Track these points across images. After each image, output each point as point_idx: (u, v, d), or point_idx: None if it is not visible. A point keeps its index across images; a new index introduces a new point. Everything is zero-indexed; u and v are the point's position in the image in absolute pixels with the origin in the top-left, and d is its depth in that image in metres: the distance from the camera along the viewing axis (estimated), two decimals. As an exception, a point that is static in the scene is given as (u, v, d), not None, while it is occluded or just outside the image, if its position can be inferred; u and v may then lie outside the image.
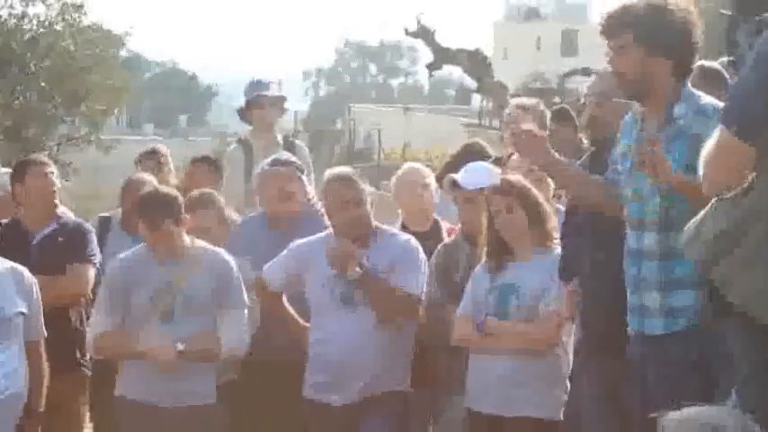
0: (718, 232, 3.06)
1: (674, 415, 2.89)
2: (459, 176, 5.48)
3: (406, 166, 6.24)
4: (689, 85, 4.05)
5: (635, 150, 4.06)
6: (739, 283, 3.01)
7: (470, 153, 6.79)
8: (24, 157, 6.16)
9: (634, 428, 4.10)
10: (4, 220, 5.88)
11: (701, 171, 3.06)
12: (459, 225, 5.58)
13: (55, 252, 5.56)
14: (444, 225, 5.91)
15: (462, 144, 7.17)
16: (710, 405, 3.04)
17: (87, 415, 5.89)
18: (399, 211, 6.19)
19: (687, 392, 3.82)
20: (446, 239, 5.61)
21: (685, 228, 3.25)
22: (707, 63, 4.68)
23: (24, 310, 4.89)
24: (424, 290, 5.16)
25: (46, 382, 5.04)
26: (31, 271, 5.04)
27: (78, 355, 5.62)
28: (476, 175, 5.51)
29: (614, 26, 4.05)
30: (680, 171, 3.84)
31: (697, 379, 3.90)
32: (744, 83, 2.93)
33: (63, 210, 5.92)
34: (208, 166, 7.05)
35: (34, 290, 4.98)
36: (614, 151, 4.30)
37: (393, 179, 6.11)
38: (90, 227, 5.86)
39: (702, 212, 3.16)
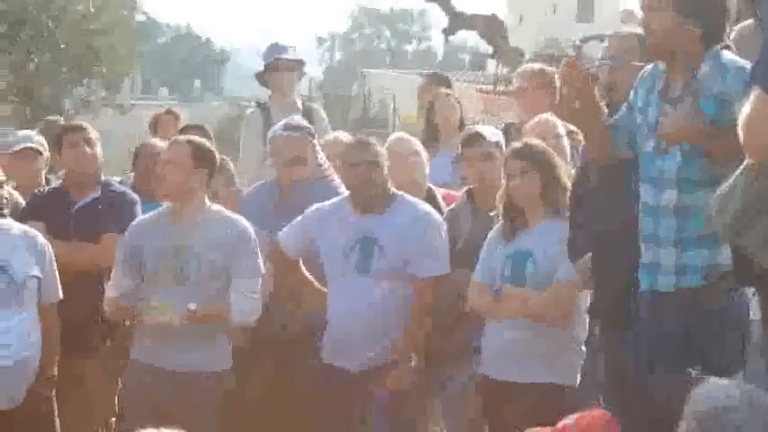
0: (747, 200, 3.02)
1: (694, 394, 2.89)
2: (481, 129, 5.43)
3: (393, 136, 6.15)
4: (716, 48, 4.00)
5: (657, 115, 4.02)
6: None
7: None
8: (62, 126, 6.08)
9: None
10: (55, 185, 5.87)
11: (741, 138, 2.99)
12: (466, 187, 5.52)
13: (93, 220, 5.54)
14: (439, 192, 5.85)
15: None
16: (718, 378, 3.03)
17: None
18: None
19: (725, 346, 3.82)
20: (451, 205, 5.56)
21: (713, 196, 3.20)
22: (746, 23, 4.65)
23: (38, 273, 4.90)
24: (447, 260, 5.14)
25: (57, 346, 5.05)
26: (68, 237, 5.03)
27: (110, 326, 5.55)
28: (493, 131, 5.51)
29: None
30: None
31: (734, 334, 3.92)
32: None
33: (108, 178, 5.90)
34: (199, 132, 6.86)
35: (47, 252, 4.99)
36: (631, 97, 4.25)
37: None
38: (135, 197, 5.77)
39: (732, 180, 3.11)
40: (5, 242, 4.88)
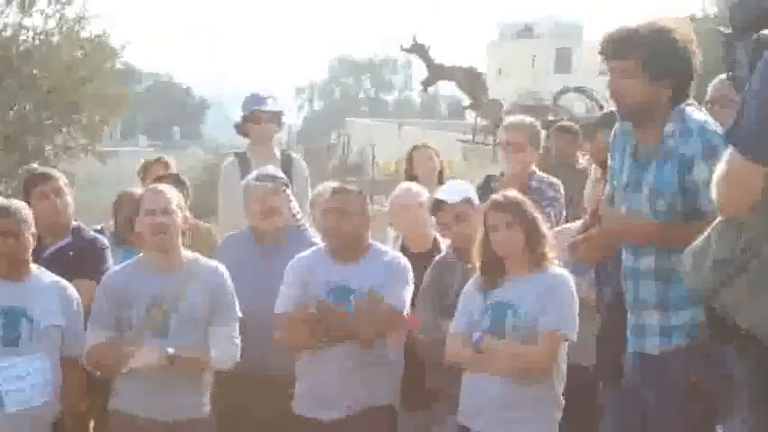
0: (722, 257, 3.07)
1: None
2: (440, 195, 5.49)
3: (400, 186, 6.17)
4: (682, 105, 4.04)
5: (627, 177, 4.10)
6: (749, 308, 3.01)
7: None
8: (30, 173, 6.05)
9: None
10: None
11: (714, 195, 3.06)
12: (449, 242, 5.56)
13: (64, 266, 5.45)
14: (445, 242, 5.90)
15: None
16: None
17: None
18: (390, 230, 6.18)
19: (687, 416, 3.87)
20: (438, 256, 5.59)
21: (685, 252, 3.26)
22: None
23: (61, 323, 4.98)
24: (406, 303, 5.14)
25: (80, 396, 5.13)
26: None
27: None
28: (456, 188, 5.54)
29: (619, 48, 4.02)
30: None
31: (697, 401, 3.93)
32: (753, 104, 2.93)
33: (79, 224, 5.87)
34: (174, 182, 6.65)
35: (75, 305, 5.07)
36: (610, 162, 4.32)
37: (387, 201, 6.02)
38: (105, 242, 5.79)
39: (704, 237, 3.16)
40: (33, 290, 4.97)
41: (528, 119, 6.64)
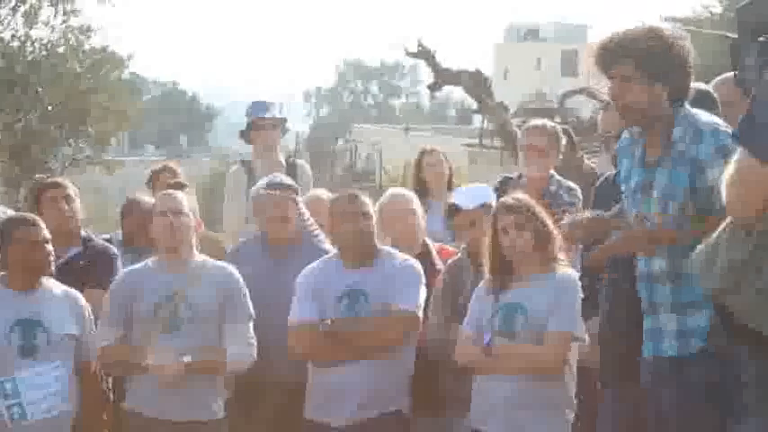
0: (735, 260, 3.03)
1: None
2: (457, 200, 5.48)
3: (389, 193, 6.14)
4: (686, 106, 4.05)
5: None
6: (760, 312, 3.00)
7: None
8: (40, 181, 6.09)
9: None
10: None
11: (723, 197, 3.04)
12: (462, 247, 5.52)
13: (75, 275, 5.49)
14: (434, 246, 5.89)
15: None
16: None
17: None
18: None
19: (702, 417, 3.86)
20: (450, 259, 5.56)
21: (695, 253, 3.24)
22: (699, 85, 4.72)
23: (75, 332, 5.04)
24: (421, 306, 5.15)
25: (98, 403, 5.18)
26: None
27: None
28: (474, 193, 5.51)
29: (615, 55, 4.01)
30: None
31: (712, 404, 3.92)
32: (766, 104, 2.91)
33: (89, 233, 5.91)
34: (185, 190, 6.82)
35: (86, 314, 5.13)
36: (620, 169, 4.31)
37: (376, 207, 5.80)
38: (115, 251, 5.82)
39: (714, 237, 3.14)
40: (46, 300, 5.01)
41: (549, 123, 6.55)
